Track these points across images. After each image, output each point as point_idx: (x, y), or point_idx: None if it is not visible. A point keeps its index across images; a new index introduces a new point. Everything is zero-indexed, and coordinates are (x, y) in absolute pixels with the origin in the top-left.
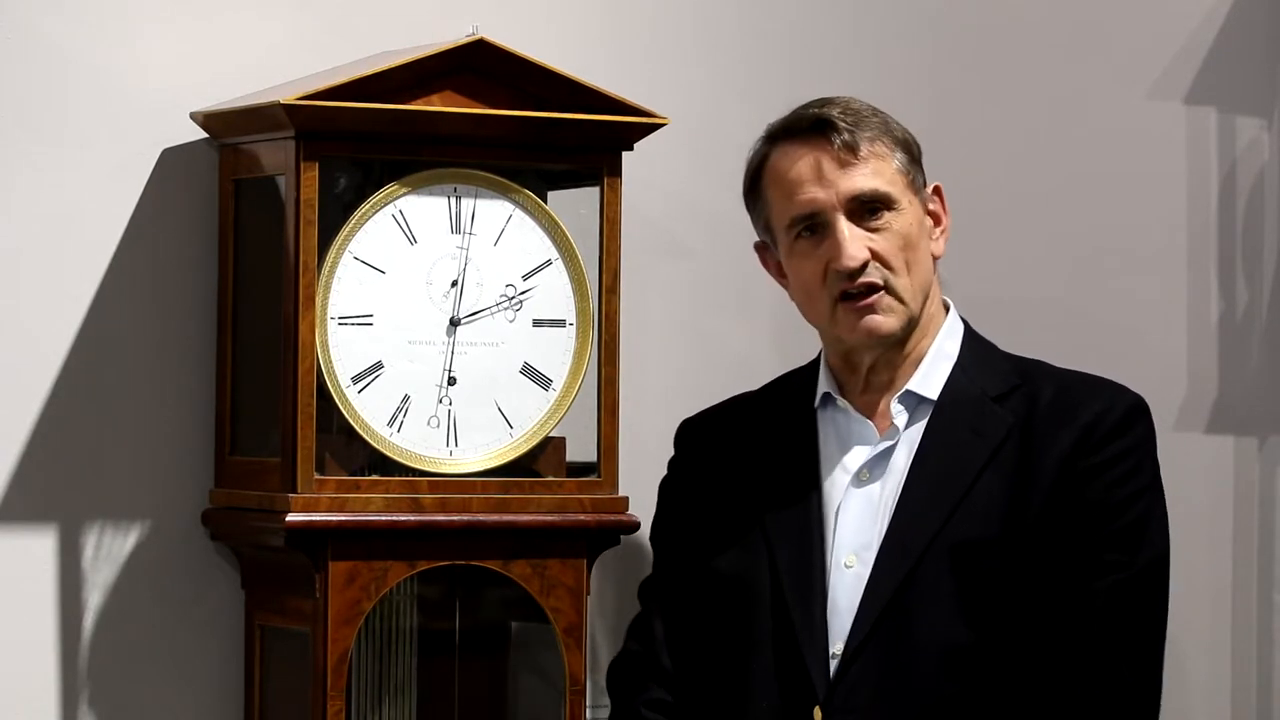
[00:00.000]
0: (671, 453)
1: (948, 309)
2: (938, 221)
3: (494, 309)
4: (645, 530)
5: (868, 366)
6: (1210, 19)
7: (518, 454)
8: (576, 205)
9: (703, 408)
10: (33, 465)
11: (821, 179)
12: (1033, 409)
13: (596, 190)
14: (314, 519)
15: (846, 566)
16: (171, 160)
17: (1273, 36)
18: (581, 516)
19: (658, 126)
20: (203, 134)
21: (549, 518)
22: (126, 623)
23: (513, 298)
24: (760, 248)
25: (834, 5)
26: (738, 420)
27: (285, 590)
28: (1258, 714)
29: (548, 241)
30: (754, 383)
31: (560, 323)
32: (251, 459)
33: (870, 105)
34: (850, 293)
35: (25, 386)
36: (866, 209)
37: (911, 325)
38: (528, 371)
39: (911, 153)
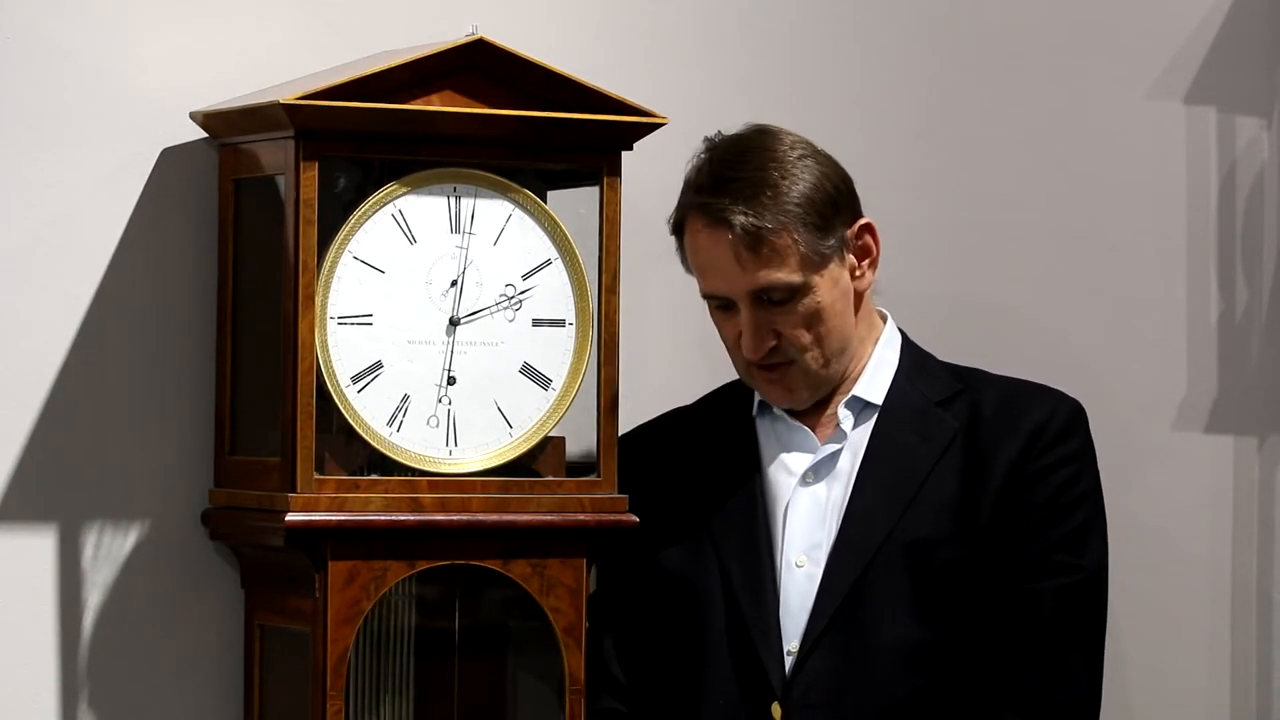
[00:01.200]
0: None
1: (885, 319)
2: (865, 256)
3: (493, 309)
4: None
5: None
6: (1210, 19)
7: (517, 454)
8: (576, 205)
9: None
10: (33, 465)
11: (725, 272)
12: (976, 415)
13: (596, 190)
14: (314, 519)
15: (797, 566)
16: (171, 160)
17: (1273, 36)
18: (581, 516)
19: (658, 126)
20: (203, 134)
21: (548, 517)
22: (126, 623)
23: (512, 297)
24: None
25: (834, 5)
26: (675, 433)
27: (285, 590)
28: (1257, 714)
29: (547, 241)
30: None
31: (560, 322)
32: (251, 459)
33: (779, 173)
34: (761, 363)
35: (25, 386)
36: (771, 296)
37: (828, 384)
38: (527, 371)
39: (819, 215)
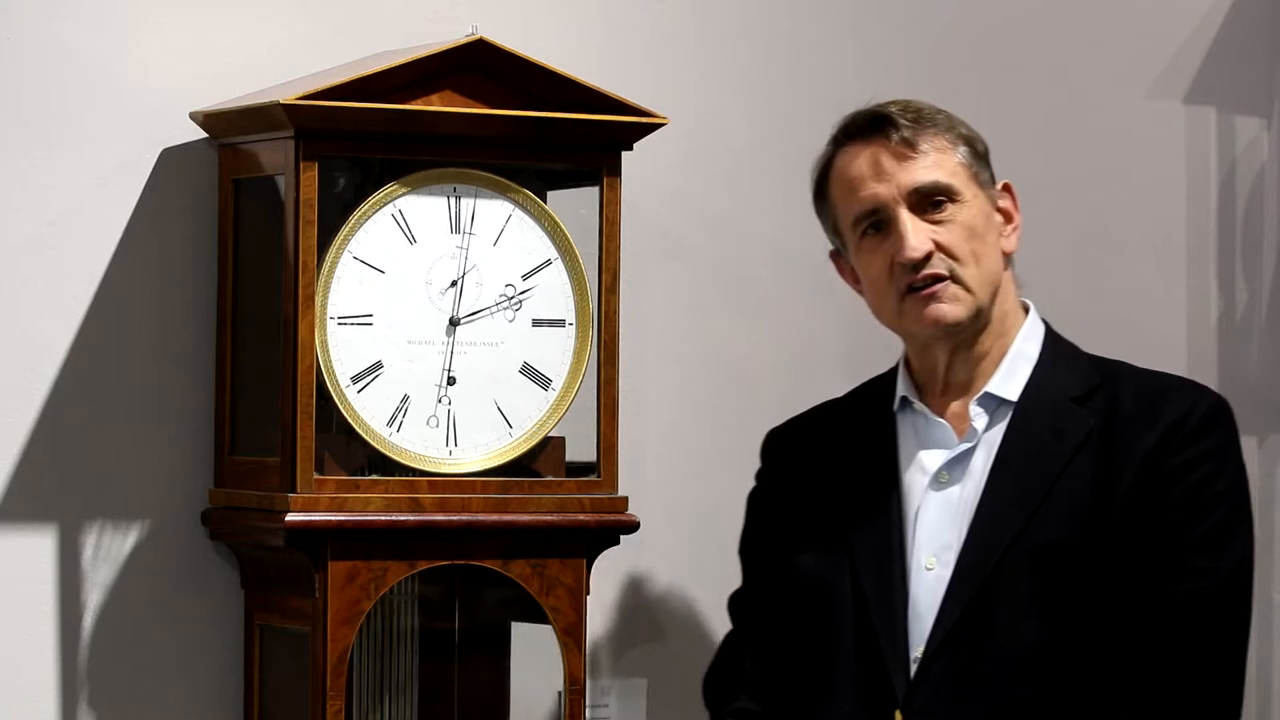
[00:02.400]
0: (677, 458)
1: (1027, 310)
2: (1009, 219)
3: (493, 309)
4: (645, 530)
5: (945, 367)
6: (1210, 19)
7: (517, 454)
8: (576, 205)
9: (703, 408)
10: (33, 465)
11: (881, 174)
12: (1114, 410)
13: (596, 190)
14: (313, 519)
15: (927, 569)
16: (171, 160)
17: (1273, 36)
18: (581, 516)
19: (658, 126)
20: (202, 134)
21: (549, 517)
22: (126, 623)
23: (512, 298)
24: (834, 255)
25: (834, 5)
26: (821, 427)
27: (285, 590)
28: (1257, 714)
29: (547, 241)
30: (754, 383)
31: (560, 323)
32: (251, 459)
33: (933, 105)
34: (915, 285)
35: (25, 386)
36: (929, 202)
37: (980, 317)
38: (527, 371)
39: (975, 148)
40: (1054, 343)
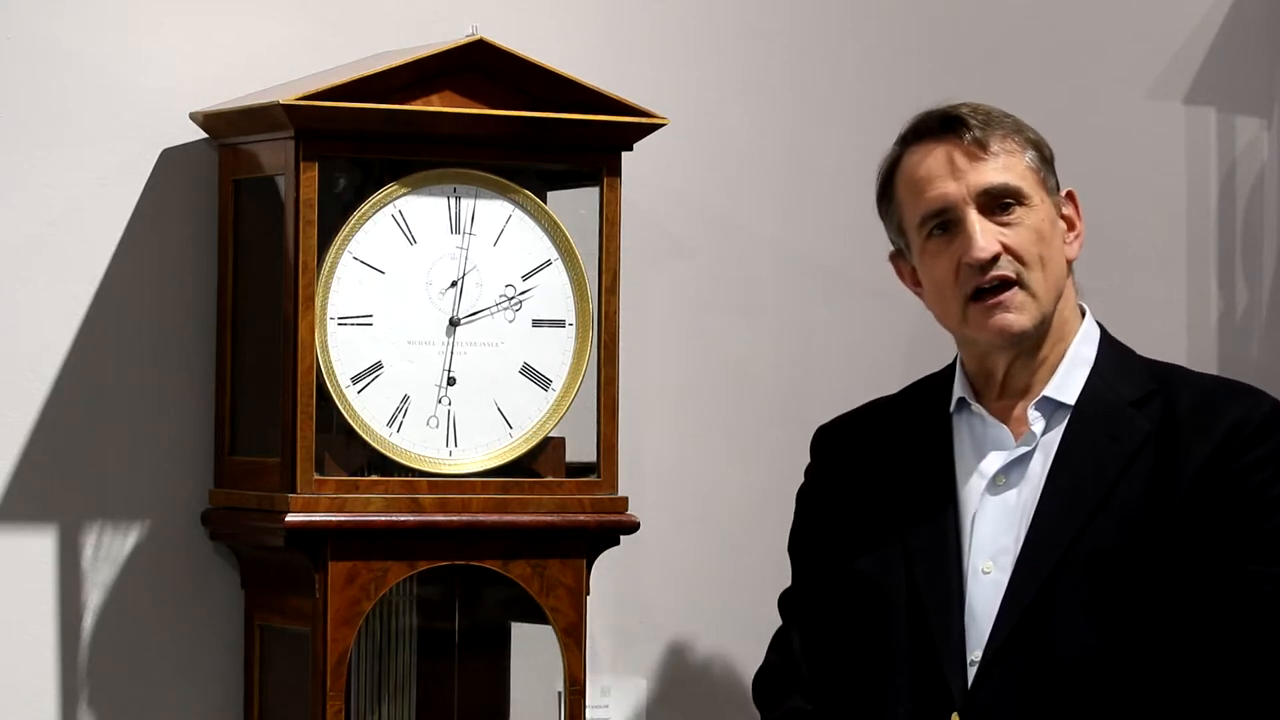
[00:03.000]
0: (676, 459)
1: (1084, 314)
2: (1071, 226)
3: (493, 309)
4: (645, 530)
5: (1004, 371)
6: (1210, 19)
7: (517, 454)
8: (576, 205)
9: (703, 409)
10: (33, 465)
11: (952, 173)
12: (1171, 415)
13: (596, 190)
14: (313, 519)
15: (984, 573)
16: (171, 160)
17: (1273, 36)
18: (581, 517)
19: (658, 126)
20: (203, 134)
21: (549, 518)
22: (126, 623)
23: (512, 298)
24: (894, 257)
25: (834, 6)
26: (873, 425)
27: (285, 590)
28: None
29: (547, 241)
30: (754, 383)
31: (560, 323)
32: (251, 459)
33: (1001, 109)
34: (982, 289)
35: (25, 386)
36: (998, 204)
37: (1044, 324)
38: (527, 372)
39: (1043, 153)
40: (1110, 346)
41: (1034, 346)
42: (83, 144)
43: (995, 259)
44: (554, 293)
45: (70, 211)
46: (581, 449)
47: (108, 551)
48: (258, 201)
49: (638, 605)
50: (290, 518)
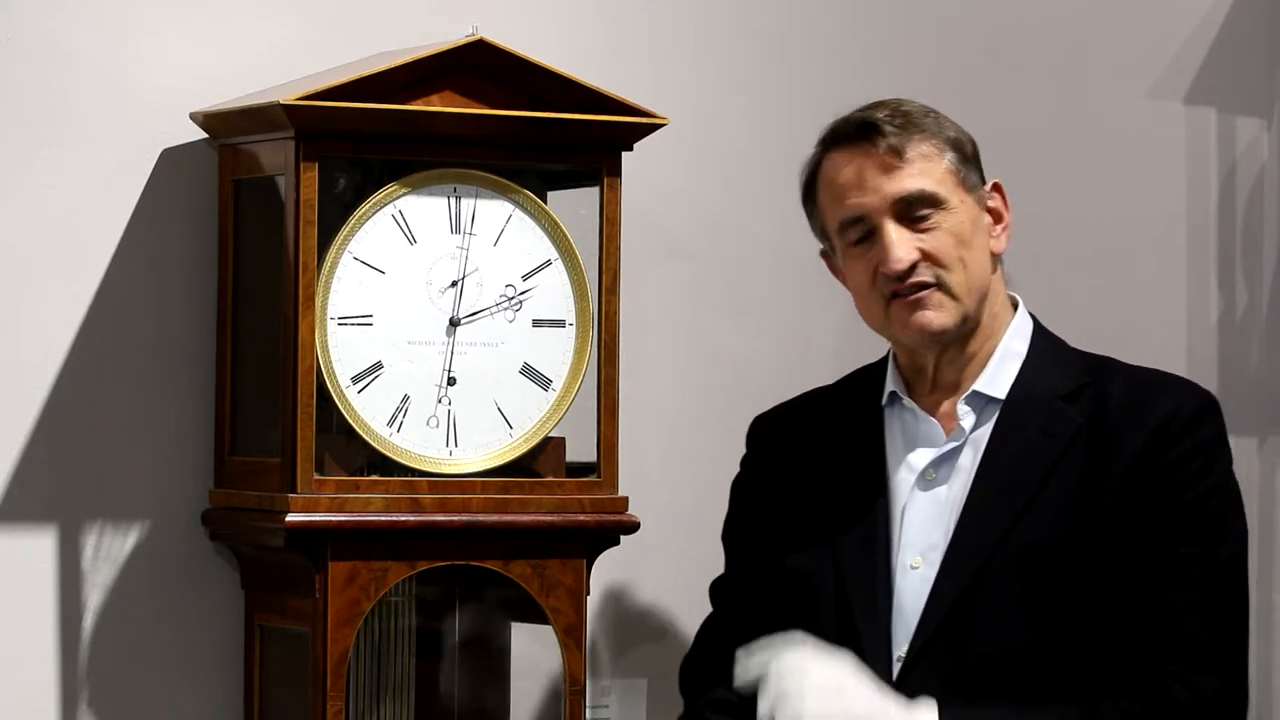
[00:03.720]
0: (677, 459)
1: (1016, 306)
2: (998, 219)
3: (494, 309)
4: (645, 530)
5: (933, 366)
6: (1210, 19)
7: (517, 454)
8: (576, 205)
9: (703, 409)
10: (33, 465)
11: (866, 185)
12: (1103, 408)
13: (596, 190)
14: (314, 519)
15: (912, 568)
16: (171, 160)
17: (1273, 36)
18: (581, 517)
19: (658, 126)
20: (203, 134)
21: (549, 518)
22: (126, 623)
23: (512, 298)
24: (824, 255)
25: (834, 5)
26: (808, 416)
27: (285, 590)
28: (1258, 714)
29: (547, 241)
30: (754, 383)
31: (560, 323)
32: (251, 459)
33: (924, 105)
34: (900, 291)
35: (25, 386)
36: (914, 210)
37: (967, 323)
38: (527, 372)
39: (964, 151)
40: (1042, 339)
41: (962, 342)
42: (83, 144)
43: (913, 267)
44: (554, 293)
45: (70, 211)
46: (581, 449)
47: (108, 551)
48: (258, 201)
49: (638, 605)
50: (290, 518)
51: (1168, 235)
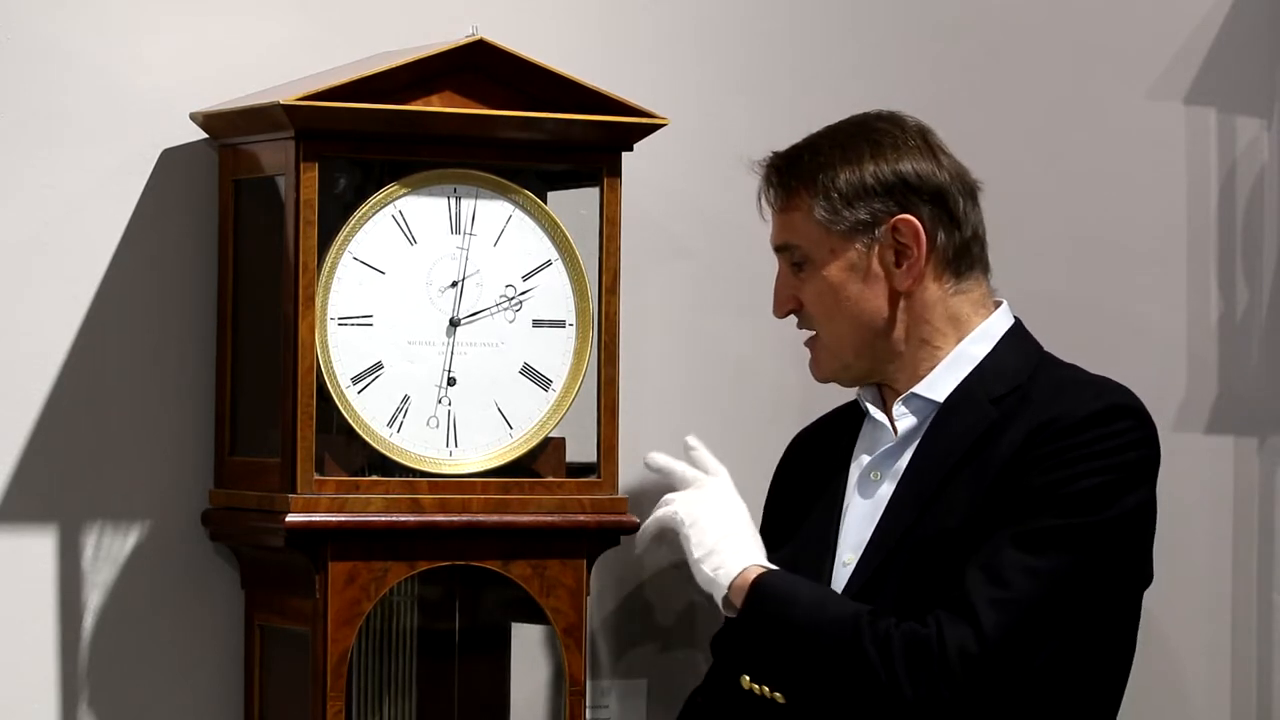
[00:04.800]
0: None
1: (990, 311)
2: (903, 257)
3: (494, 309)
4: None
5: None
6: (1210, 19)
7: (517, 454)
8: (576, 205)
9: (703, 409)
10: (33, 465)
11: (771, 223)
12: (1020, 408)
13: (596, 190)
14: (314, 519)
15: (844, 564)
16: (171, 160)
17: (1273, 36)
18: (581, 517)
19: (658, 126)
20: (203, 134)
21: (549, 518)
22: (126, 623)
23: (512, 298)
24: None
25: (834, 5)
26: (832, 426)
27: (285, 590)
28: (1258, 714)
29: (548, 242)
30: (754, 383)
31: (560, 323)
32: (251, 459)
33: (825, 141)
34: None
35: (25, 386)
36: (790, 259)
37: (850, 369)
38: (527, 372)
39: (845, 196)
40: (1009, 344)
41: (873, 374)
42: (83, 144)
43: (790, 313)
44: (554, 293)
45: (70, 211)
46: (581, 449)
47: (108, 551)
48: (258, 201)
49: (638, 605)
50: (290, 518)
51: (1168, 235)
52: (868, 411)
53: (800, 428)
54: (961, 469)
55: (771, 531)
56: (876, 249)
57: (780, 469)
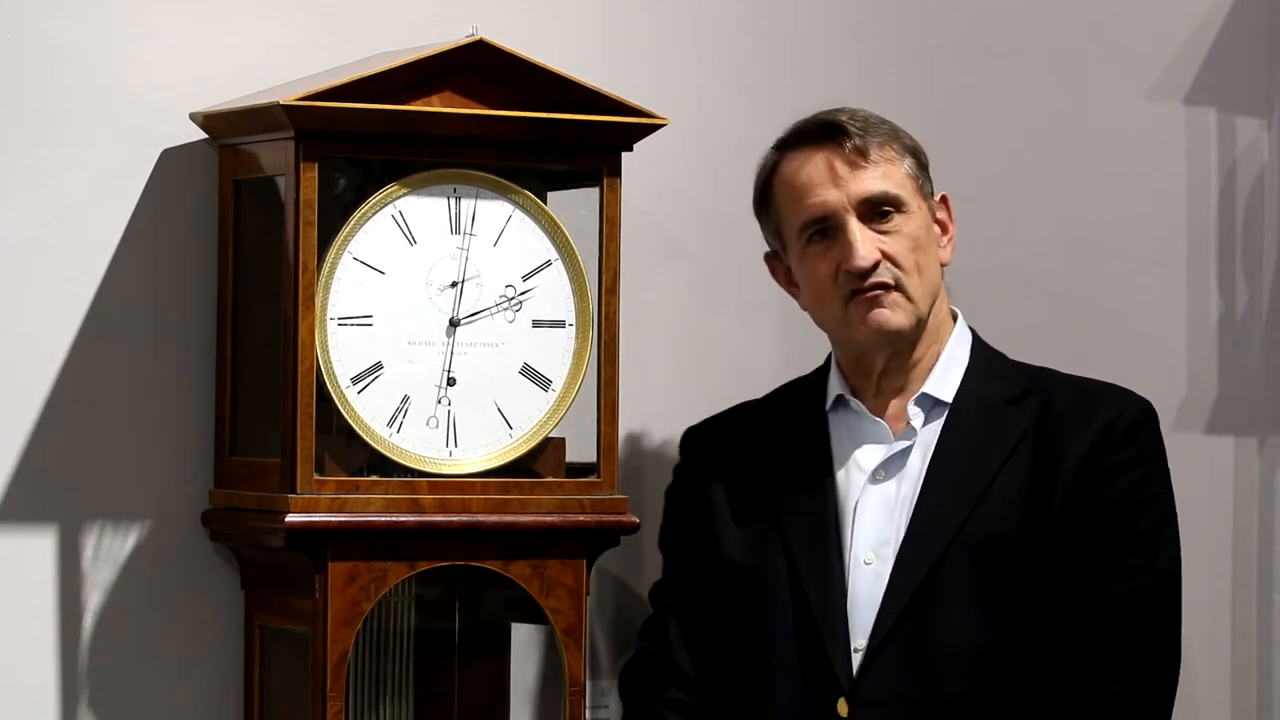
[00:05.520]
0: (676, 459)
1: (955, 318)
2: (945, 230)
3: (493, 309)
4: (645, 531)
5: (880, 370)
6: (1210, 19)
7: (517, 454)
8: (576, 205)
9: (703, 409)
10: (33, 465)
11: (833, 181)
12: (1046, 413)
13: (596, 190)
14: (313, 519)
15: (866, 563)
16: (171, 160)
17: (1273, 36)
18: (581, 517)
19: (658, 126)
20: (203, 134)
21: (549, 518)
22: (126, 623)
23: (512, 298)
24: (770, 257)
25: (834, 5)
26: (744, 425)
27: (285, 590)
28: (1258, 714)
29: (547, 242)
30: (754, 383)
31: (560, 323)
32: (251, 459)
33: (878, 114)
34: (860, 290)
35: (25, 386)
36: (876, 211)
37: (919, 326)
38: (527, 372)
39: (919, 160)
40: (982, 350)
41: (909, 347)
42: (83, 144)
43: (875, 266)
44: (554, 293)
45: (70, 211)
46: (581, 449)
47: (108, 551)
48: (258, 201)
49: (638, 605)
50: (290, 518)
51: (1168, 235)
52: (851, 407)
53: None
54: (1004, 473)
55: (701, 531)
56: (933, 216)
57: (690, 465)
